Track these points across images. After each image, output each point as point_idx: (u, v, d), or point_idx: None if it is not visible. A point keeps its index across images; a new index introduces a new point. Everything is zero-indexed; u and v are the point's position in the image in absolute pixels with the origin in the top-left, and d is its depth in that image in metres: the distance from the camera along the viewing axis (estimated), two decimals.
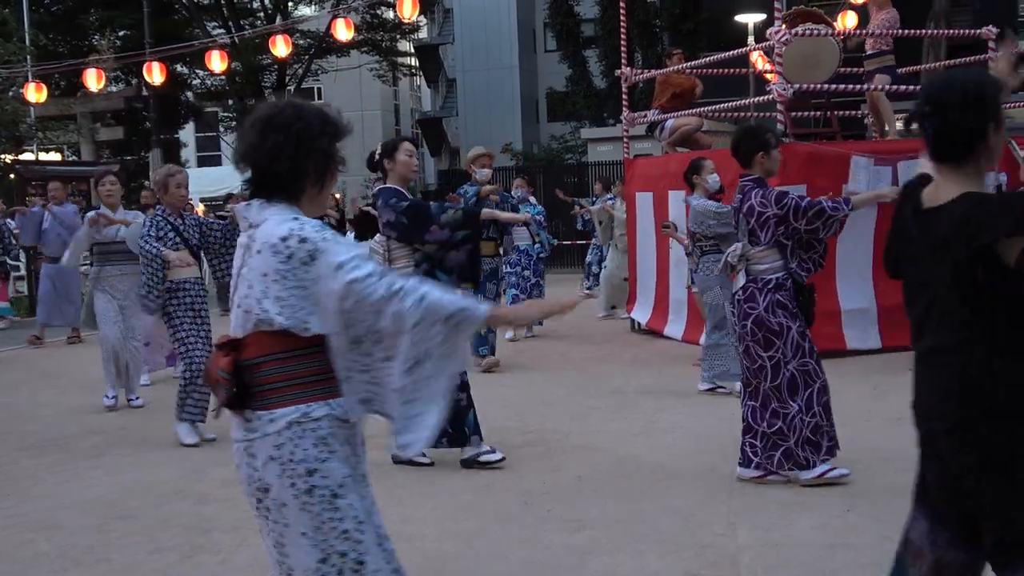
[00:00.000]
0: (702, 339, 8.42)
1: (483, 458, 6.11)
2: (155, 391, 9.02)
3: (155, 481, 6.19)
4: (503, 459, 6.13)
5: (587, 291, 15.27)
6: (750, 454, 5.60)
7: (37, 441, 7.45)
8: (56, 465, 6.71)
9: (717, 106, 12.17)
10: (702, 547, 4.69)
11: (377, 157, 6.16)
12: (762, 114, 13.72)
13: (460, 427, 6.06)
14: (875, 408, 7.42)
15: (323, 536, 2.59)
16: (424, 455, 6.08)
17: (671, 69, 12.00)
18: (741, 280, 5.60)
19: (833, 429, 5.58)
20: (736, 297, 5.66)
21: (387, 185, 6.10)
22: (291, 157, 2.64)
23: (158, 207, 7.41)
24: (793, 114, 10.71)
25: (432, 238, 5.94)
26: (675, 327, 11.13)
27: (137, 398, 8.56)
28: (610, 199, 14.40)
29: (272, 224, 2.63)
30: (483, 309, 2.63)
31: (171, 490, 5.99)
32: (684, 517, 5.12)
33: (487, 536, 4.96)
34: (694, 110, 11.80)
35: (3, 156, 19.43)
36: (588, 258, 16.24)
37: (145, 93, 24.61)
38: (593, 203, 15.45)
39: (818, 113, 12.48)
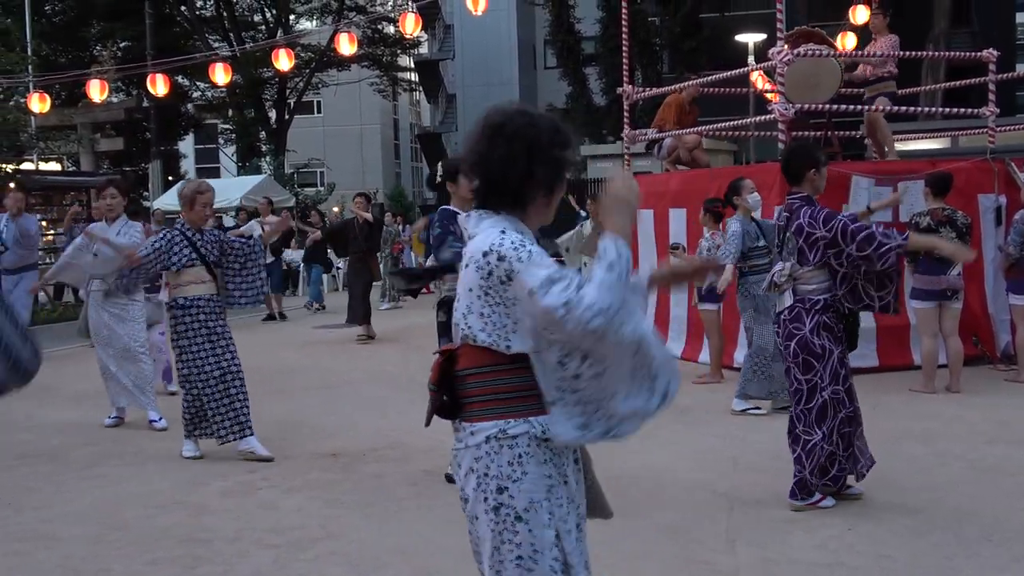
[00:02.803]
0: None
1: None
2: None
3: (152, 492, 6.18)
4: None
5: None
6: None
7: (32, 452, 7.43)
8: (52, 476, 6.70)
9: (717, 125, 12.21)
10: (699, 564, 4.68)
11: (439, 178, 6.23)
12: (763, 134, 13.78)
13: None
14: (873, 428, 7.39)
15: (500, 558, 2.58)
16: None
17: (683, 87, 12.04)
18: (788, 300, 5.47)
19: (849, 461, 5.48)
20: (782, 317, 5.51)
21: (448, 207, 6.13)
22: (524, 167, 2.58)
23: (177, 221, 7.30)
24: (794, 134, 10.75)
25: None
26: (674, 345, 11.13)
27: (159, 418, 8.11)
28: (584, 218, 14.22)
29: (480, 238, 2.58)
30: (611, 243, 2.50)
31: (169, 501, 5.97)
32: (681, 534, 5.11)
33: None
34: (692, 130, 11.84)
35: (4, 165, 19.41)
36: None
37: (146, 104, 24.69)
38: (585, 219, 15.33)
39: (819, 133, 12.51)
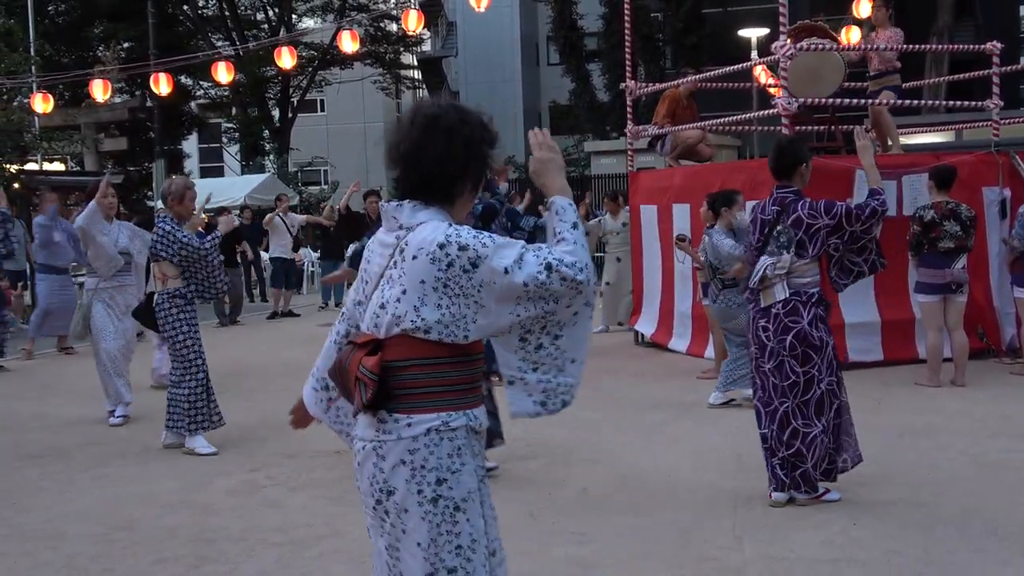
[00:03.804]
0: (724, 364, 8.30)
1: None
2: (156, 400, 9.00)
3: (158, 491, 6.19)
4: (496, 467, 6.05)
5: None
6: (782, 477, 5.45)
7: (38, 451, 7.44)
8: (57, 475, 6.71)
9: (720, 120, 12.19)
10: (706, 561, 4.68)
11: None
12: (766, 128, 13.76)
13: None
14: (878, 422, 7.40)
15: (436, 549, 2.57)
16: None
17: (680, 83, 12.03)
18: (780, 294, 5.45)
19: (839, 453, 5.51)
20: (773, 311, 5.46)
21: None
22: (461, 163, 2.63)
23: (164, 216, 7.39)
24: (797, 128, 10.72)
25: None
26: (680, 341, 11.13)
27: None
28: (599, 216, 14.41)
29: (428, 229, 2.58)
30: (563, 201, 2.67)
31: (175, 500, 5.98)
32: (688, 531, 5.11)
33: None
34: (693, 125, 11.83)
35: (8, 166, 19.42)
36: None
37: (149, 104, 24.69)
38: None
39: (822, 128, 12.49)
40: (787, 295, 5.44)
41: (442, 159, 2.61)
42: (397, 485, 2.59)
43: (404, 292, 2.57)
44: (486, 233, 2.58)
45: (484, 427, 2.72)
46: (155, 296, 7.25)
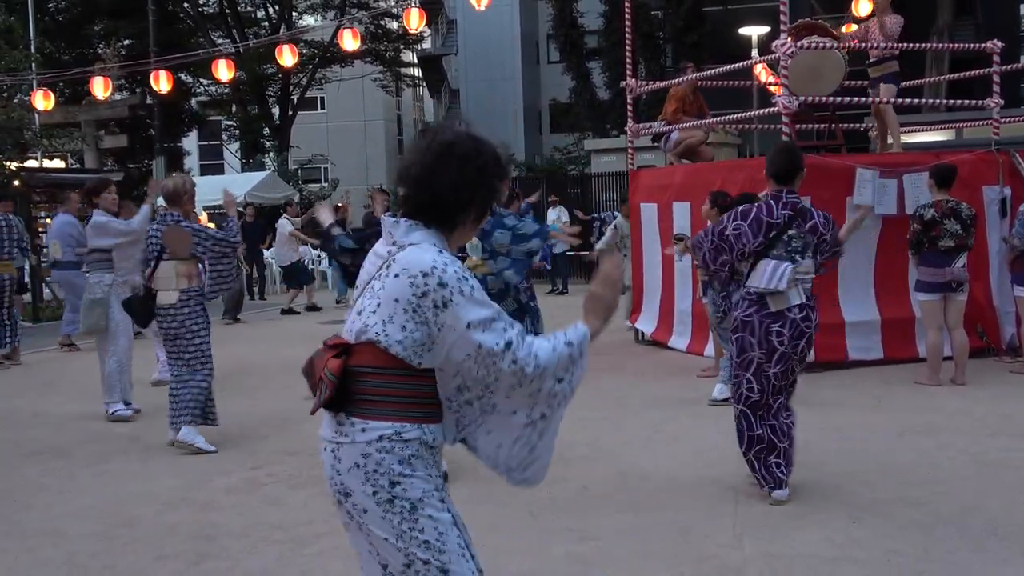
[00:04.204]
0: (723, 360, 8.31)
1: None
2: (157, 398, 9.01)
3: (158, 488, 6.19)
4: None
5: None
6: (779, 475, 5.48)
7: (39, 449, 7.45)
8: (58, 472, 6.72)
9: (721, 118, 12.20)
10: (706, 559, 4.68)
11: None
12: (766, 126, 13.76)
13: None
14: (878, 420, 7.42)
15: (405, 543, 2.61)
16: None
17: (680, 80, 12.05)
18: (796, 299, 5.44)
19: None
20: (790, 316, 5.42)
21: None
22: (470, 192, 2.65)
23: (172, 214, 7.33)
24: (798, 127, 10.73)
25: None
26: (680, 339, 11.14)
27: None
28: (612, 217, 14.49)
29: (417, 252, 2.61)
30: (584, 331, 2.70)
31: (176, 497, 5.98)
32: (688, 529, 5.12)
33: (490, 546, 4.94)
34: (699, 122, 11.84)
35: (8, 163, 19.42)
36: None
37: (149, 101, 24.69)
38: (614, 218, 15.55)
39: (823, 126, 12.50)
40: (802, 300, 5.46)
41: (453, 186, 2.63)
42: (353, 487, 2.64)
43: (379, 305, 2.62)
44: (473, 279, 2.59)
45: (440, 443, 2.73)
46: (179, 294, 7.20)
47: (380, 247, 2.75)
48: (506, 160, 2.75)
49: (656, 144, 12.87)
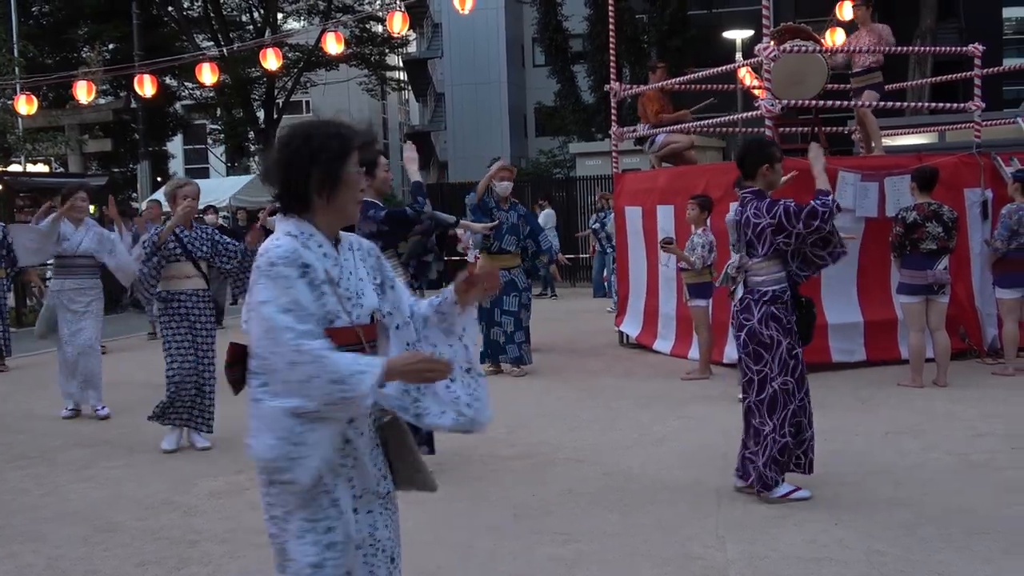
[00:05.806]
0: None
1: None
2: (140, 403, 8.97)
3: (141, 493, 6.17)
4: None
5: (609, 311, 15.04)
6: (740, 466, 5.68)
7: (22, 452, 7.42)
8: (41, 477, 6.69)
9: (705, 122, 12.23)
10: (690, 560, 4.69)
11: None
12: (750, 130, 13.80)
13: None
14: (862, 422, 7.45)
15: (264, 513, 2.79)
16: None
17: (657, 85, 12.09)
18: (739, 292, 5.61)
19: (801, 450, 5.59)
20: (733, 309, 5.66)
21: (364, 198, 6.10)
22: (302, 173, 2.75)
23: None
24: (781, 130, 10.76)
25: (416, 231, 6.18)
26: (664, 342, 11.16)
27: (103, 407, 8.67)
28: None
29: (269, 238, 2.77)
30: (368, 382, 2.58)
31: (158, 502, 5.96)
32: (673, 530, 5.13)
33: (477, 547, 4.96)
34: (684, 126, 11.87)
35: None
36: (597, 270, 16.44)
37: (134, 105, 24.61)
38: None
39: (806, 129, 12.54)
40: (742, 293, 5.57)
41: (286, 171, 2.77)
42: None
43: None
44: (287, 267, 2.64)
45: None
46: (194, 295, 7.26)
47: None
48: (347, 139, 2.78)
49: (640, 148, 12.90)
